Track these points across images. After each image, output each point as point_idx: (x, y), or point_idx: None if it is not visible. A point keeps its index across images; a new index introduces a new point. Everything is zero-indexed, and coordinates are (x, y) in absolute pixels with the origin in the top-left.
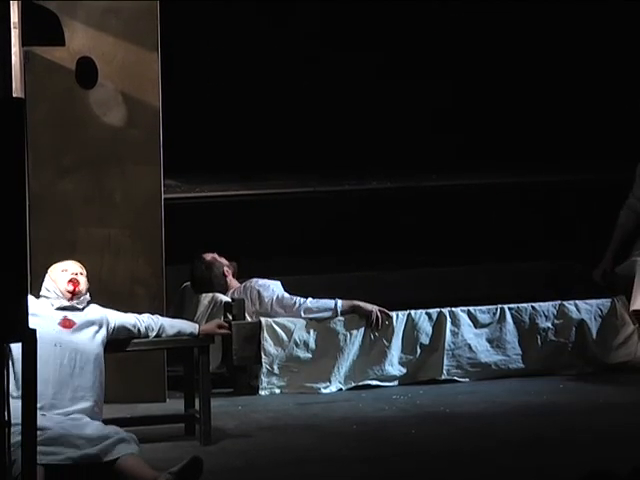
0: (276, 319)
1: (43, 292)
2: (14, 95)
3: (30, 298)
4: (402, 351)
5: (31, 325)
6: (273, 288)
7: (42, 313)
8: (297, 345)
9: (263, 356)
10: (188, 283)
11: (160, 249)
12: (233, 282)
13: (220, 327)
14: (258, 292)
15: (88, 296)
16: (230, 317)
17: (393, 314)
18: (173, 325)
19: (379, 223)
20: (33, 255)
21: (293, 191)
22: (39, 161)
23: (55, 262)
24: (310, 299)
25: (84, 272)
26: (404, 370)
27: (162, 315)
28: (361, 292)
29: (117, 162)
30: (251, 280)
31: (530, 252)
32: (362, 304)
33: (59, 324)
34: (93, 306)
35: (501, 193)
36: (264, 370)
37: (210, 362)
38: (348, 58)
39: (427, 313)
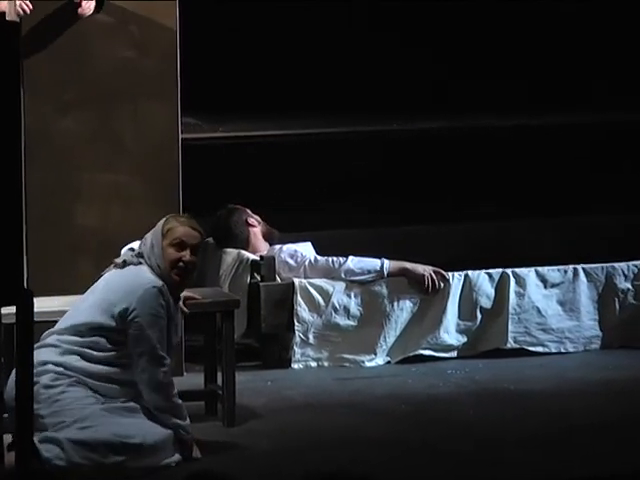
0: (311, 280)
1: (146, 252)
2: (7, 19)
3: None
4: (460, 317)
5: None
6: (302, 252)
7: (168, 304)
8: (336, 310)
9: (296, 323)
10: (210, 238)
11: (177, 198)
12: (259, 246)
13: (187, 299)
14: (286, 263)
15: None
16: (258, 278)
17: (448, 275)
18: None
19: (429, 169)
20: (29, 204)
21: (330, 131)
22: (36, 95)
23: (55, 213)
24: (352, 258)
25: (200, 242)
26: (463, 339)
27: None
28: (409, 249)
29: (127, 97)
30: (274, 248)
31: (606, 205)
32: (413, 266)
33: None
34: None
35: (572, 134)
36: (297, 340)
37: (235, 330)
38: None
39: (487, 273)
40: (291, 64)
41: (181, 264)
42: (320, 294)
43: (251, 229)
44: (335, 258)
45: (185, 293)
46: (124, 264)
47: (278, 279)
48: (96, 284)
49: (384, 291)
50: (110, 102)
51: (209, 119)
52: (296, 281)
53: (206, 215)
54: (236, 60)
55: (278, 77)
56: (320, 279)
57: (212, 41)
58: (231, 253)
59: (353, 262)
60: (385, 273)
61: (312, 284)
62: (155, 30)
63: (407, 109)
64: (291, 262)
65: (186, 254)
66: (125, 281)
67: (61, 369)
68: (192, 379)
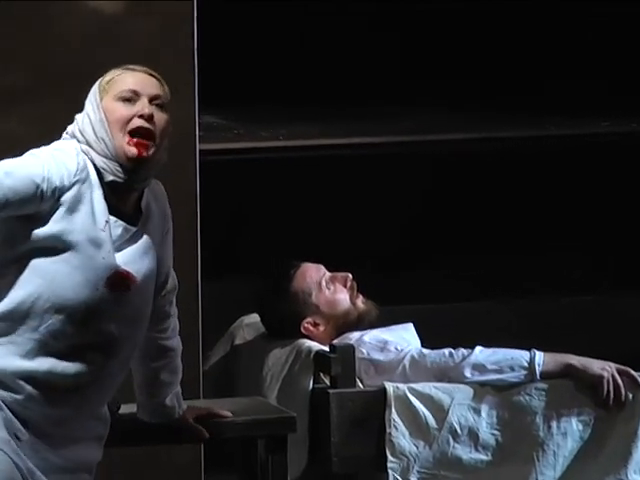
0: (414, 385)
1: (82, 131)
2: None
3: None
4: None
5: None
6: (397, 344)
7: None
8: (456, 436)
9: (389, 457)
10: (246, 317)
11: (194, 239)
12: (324, 339)
13: (205, 417)
14: (370, 362)
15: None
16: (327, 381)
17: None
18: None
19: (559, 197)
20: None
21: (443, 139)
22: None
23: None
24: (480, 349)
25: (165, 95)
26: None
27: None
28: (571, 333)
29: None
30: (348, 336)
31: None
32: (582, 362)
33: (108, 282)
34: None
35: None
36: None
37: (288, 467)
38: None
39: None
40: (352, 44)
41: (137, 121)
42: (429, 408)
43: (306, 333)
44: (453, 350)
45: (205, 407)
46: None
47: (360, 384)
48: None
49: (536, 403)
50: (83, 92)
51: (242, 120)
52: (389, 387)
53: (237, 273)
54: (280, 39)
55: (337, 64)
56: (429, 384)
57: (246, 9)
58: (284, 341)
59: (483, 354)
60: (537, 372)
61: (416, 392)
62: None
63: (519, 111)
64: (380, 359)
65: (144, 107)
66: None
67: None
68: None
